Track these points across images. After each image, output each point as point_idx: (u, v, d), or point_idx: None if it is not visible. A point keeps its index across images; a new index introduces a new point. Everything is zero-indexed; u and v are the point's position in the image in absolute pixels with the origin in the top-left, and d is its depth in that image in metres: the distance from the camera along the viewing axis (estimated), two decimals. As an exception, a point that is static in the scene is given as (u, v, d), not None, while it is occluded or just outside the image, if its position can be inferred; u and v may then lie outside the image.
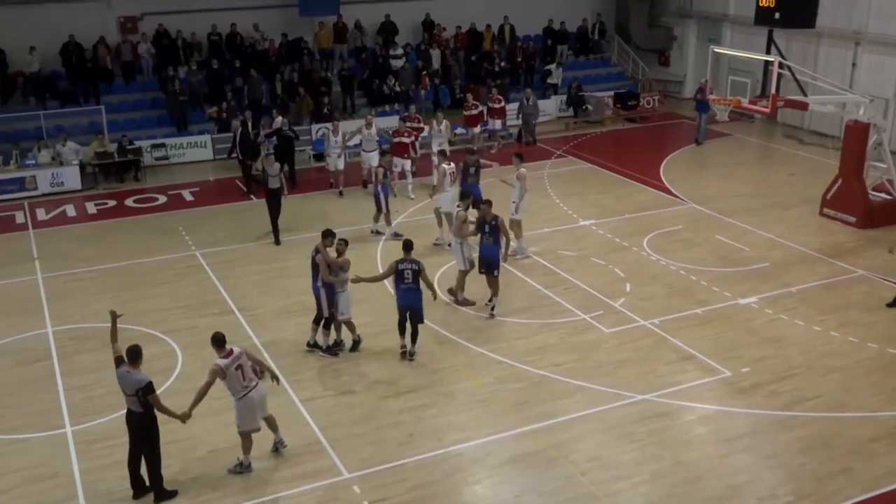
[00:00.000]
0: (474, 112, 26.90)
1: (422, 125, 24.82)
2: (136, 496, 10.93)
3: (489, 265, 15.66)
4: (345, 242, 14.11)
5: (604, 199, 22.39)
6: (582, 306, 16.10)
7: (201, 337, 14.98)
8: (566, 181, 24.05)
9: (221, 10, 28.60)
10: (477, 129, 26.78)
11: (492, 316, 15.61)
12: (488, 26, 32.00)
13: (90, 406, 12.92)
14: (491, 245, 15.55)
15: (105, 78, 27.32)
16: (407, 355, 14.32)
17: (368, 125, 22.73)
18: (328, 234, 14.02)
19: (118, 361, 10.53)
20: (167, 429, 11.07)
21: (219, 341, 11.02)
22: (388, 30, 30.66)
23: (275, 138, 23.67)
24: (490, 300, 15.86)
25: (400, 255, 14.14)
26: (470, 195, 17.00)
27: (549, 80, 31.80)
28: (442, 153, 20.32)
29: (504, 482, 11.26)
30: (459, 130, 27.23)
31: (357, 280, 14.12)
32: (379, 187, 19.22)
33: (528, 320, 15.61)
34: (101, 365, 13.60)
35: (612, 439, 12.04)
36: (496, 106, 27.55)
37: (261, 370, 11.46)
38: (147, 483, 10.90)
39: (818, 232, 19.95)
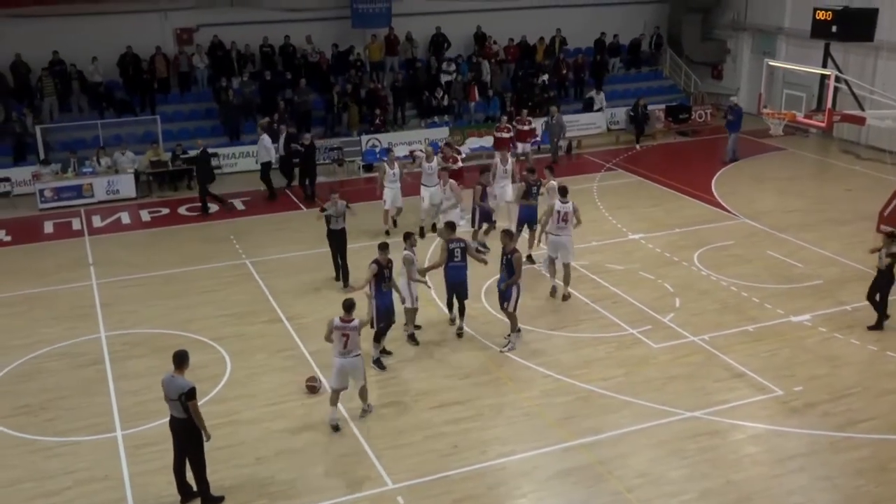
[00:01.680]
0: (505, 135, 25.26)
1: (458, 152, 23.47)
2: (184, 501, 11.04)
3: (500, 298, 15.02)
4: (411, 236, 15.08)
5: (653, 213, 22.16)
6: (630, 321, 15.93)
7: (250, 344, 15.20)
8: (615, 194, 23.86)
9: (276, 23, 28.97)
10: (508, 158, 23.78)
11: (503, 350, 14.84)
12: (541, 39, 31.96)
13: (140, 410, 13.10)
14: (504, 278, 14.79)
15: (161, 88, 27.87)
16: (456, 332, 15.40)
17: (428, 158, 20.77)
18: (386, 247, 14.30)
19: None
20: (215, 435, 11.20)
21: (347, 307, 12.35)
22: (438, 42, 30.79)
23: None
24: (507, 335, 15.08)
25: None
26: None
27: (595, 108, 31.06)
28: (444, 169, 19.86)
29: (549, 497, 11.16)
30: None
31: (423, 272, 15.25)
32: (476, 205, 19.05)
33: (576, 334, 15.49)
34: (151, 370, 13.81)
35: (661, 456, 11.87)
36: (525, 128, 26.11)
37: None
38: (194, 488, 11.02)
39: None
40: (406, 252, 14.68)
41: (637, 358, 14.62)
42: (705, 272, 18.16)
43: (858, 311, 16.18)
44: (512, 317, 14.97)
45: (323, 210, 17.55)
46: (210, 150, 26.05)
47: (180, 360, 10.66)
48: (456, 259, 15.14)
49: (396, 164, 20.66)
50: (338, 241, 17.67)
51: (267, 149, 23.88)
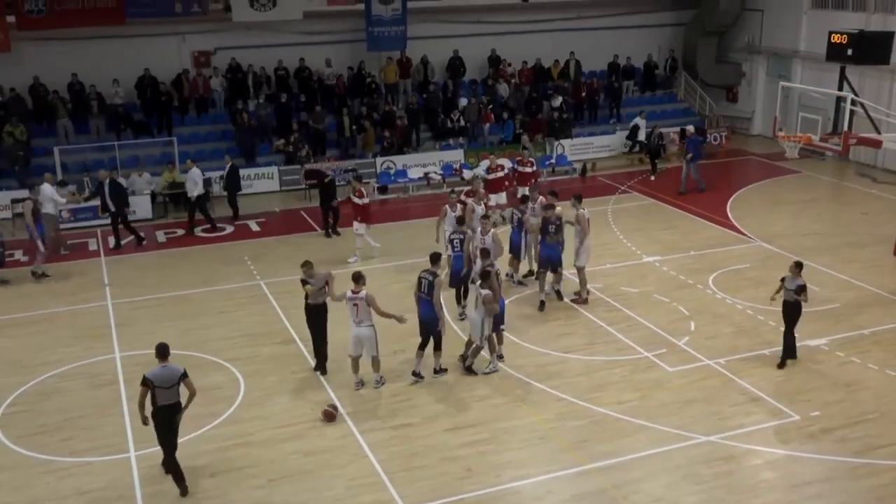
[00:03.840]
0: (499, 174, 22.31)
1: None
2: (181, 486, 11.54)
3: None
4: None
5: (668, 236, 22.11)
6: (645, 344, 15.84)
7: (263, 366, 15.21)
8: (630, 217, 23.83)
9: (292, 45, 29.24)
10: (503, 199, 21.22)
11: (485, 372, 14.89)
12: (556, 62, 32.08)
13: (153, 431, 13.08)
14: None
15: (178, 110, 28.10)
16: (459, 316, 16.71)
17: (479, 200, 19.00)
18: (437, 259, 14.75)
19: None
20: (228, 456, 11.18)
21: (356, 279, 13.90)
22: (455, 66, 30.95)
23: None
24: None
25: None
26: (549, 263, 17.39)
27: (639, 138, 29.74)
28: (578, 198, 18.08)
29: (563, 522, 11.07)
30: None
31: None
32: (521, 234, 18.42)
33: (590, 357, 15.42)
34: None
35: (676, 481, 11.76)
36: (527, 170, 22.93)
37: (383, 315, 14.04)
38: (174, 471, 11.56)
39: (893, 273, 19.35)
40: (486, 291, 14.26)
41: (652, 381, 14.53)
42: (720, 295, 18.07)
43: (876, 336, 16.06)
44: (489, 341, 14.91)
45: (305, 283, 14.71)
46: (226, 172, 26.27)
47: (165, 350, 11.35)
48: (456, 250, 16.78)
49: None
50: (314, 319, 14.72)
51: (195, 182, 22.86)
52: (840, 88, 24.85)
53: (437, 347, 14.61)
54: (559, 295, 17.88)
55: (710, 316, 17.08)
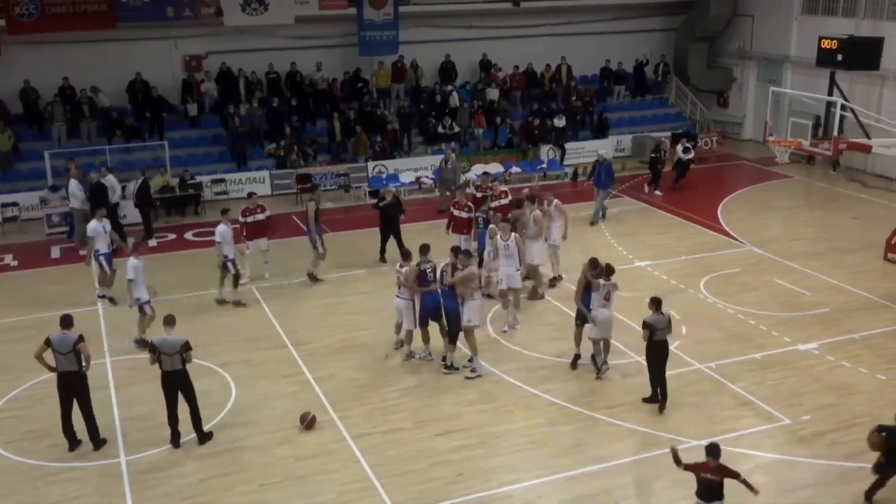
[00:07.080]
0: (503, 201, 19.78)
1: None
2: (72, 448, 12.66)
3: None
4: (467, 254, 15.68)
5: (659, 240, 22.14)
6: (636, 348, 15.76)
7: (254, 371, 15.17)
8: (621, 222, 23.85)
9: (284, 50, 29.22)
10: (510, 232, 16.98)
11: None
12: (548, 66, 32.14)
13: (144, 437, 13.06)
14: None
15: (169, 114, 28.04)
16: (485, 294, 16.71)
17: (505, 234, 16.80)
18: (458, 252, 15.04)
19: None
20: (219, 461, 11.10)
21: (404, 256, 15.38)
22: (447, 70, 30.97)
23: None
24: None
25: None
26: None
27: (686, 157, 27.24)
28: (531, 198, 18.12)
29: (555, 526, 11.06)
30: (515, 169, 27.23)
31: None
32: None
33: (582, 361, 15.38)
34: (155, 396, 13.72)
35: (667, 485, 11.76)
36: (461, 215, 19.21)
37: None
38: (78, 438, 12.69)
39: (882, 277, 19.42)
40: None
41: (643, 385, 14.47)
42: (712, 300, 18.10)
43: (866, 340, 16.11)
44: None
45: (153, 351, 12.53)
46: (217, 176, 26.22)
47: (69, 320, 12.56)
48: (479, 227, 18.44)
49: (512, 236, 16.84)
50: (173, 387, 12.48)
51: (113, 189, 22.12)
52: (830, 94, 25.01)
53: (451, 342, 14.86)
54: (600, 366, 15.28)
55: (701, 320, 17.10)
